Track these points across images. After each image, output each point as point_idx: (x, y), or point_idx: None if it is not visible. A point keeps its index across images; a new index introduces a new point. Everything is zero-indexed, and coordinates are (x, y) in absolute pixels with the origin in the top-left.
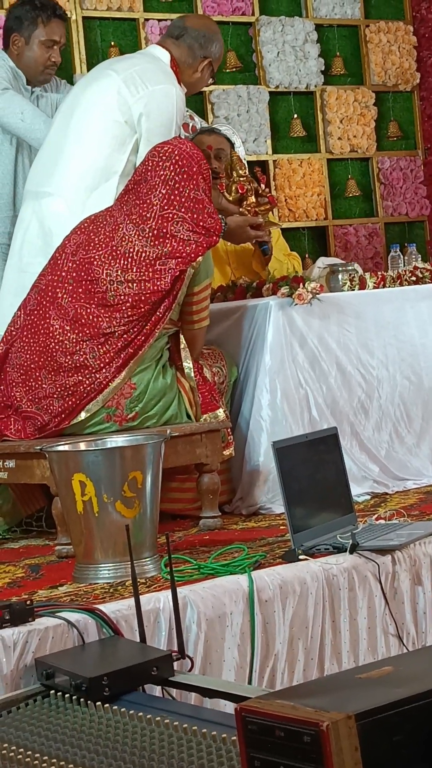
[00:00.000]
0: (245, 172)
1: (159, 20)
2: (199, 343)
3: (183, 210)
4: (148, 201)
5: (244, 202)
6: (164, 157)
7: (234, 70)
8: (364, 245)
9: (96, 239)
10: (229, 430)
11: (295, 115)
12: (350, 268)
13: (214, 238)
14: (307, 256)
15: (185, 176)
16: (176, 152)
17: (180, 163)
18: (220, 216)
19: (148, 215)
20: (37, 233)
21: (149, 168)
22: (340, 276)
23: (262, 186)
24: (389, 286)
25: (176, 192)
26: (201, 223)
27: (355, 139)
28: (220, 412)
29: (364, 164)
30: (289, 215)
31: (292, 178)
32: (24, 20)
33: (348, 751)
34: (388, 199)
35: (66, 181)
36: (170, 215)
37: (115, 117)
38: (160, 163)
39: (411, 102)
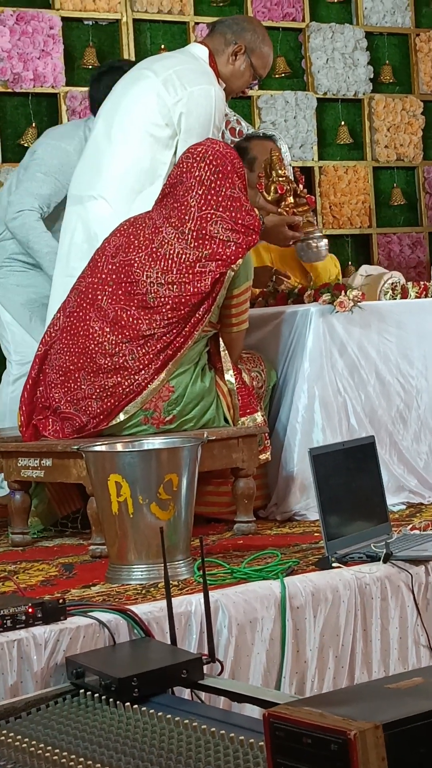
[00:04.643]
0: (285, 173)
1: (209, 24)
2: (238, 346)
3: (221, 209)
4: (186, 203)
5: (282, 203)
6: (198, 158)
7: (282, 75)
8: (407, 254)
9: (136, 242)
10: (266, 434)
11: (342, 122)
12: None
13: (254, 236)
14: (349, 263)
15: (221, 175)
16: (210, 152)
17: (214, 162)
18: (258, 214)
19: (187, 217)
20: (82, 237)
21: (184, 170)
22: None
23: (300, 187)
24: (431, 297)
25: (213, 191)
26: (240, 221)
27: (401, 147)
28: (258, 416)
29: (410, 173)
30: (333, 222)
31: (338, 185)
32: None
33: (375, 761)
34: None
35: (110, 184)
36: (208, 215)
37: (156, 120)
38: (195, 164)
39: None
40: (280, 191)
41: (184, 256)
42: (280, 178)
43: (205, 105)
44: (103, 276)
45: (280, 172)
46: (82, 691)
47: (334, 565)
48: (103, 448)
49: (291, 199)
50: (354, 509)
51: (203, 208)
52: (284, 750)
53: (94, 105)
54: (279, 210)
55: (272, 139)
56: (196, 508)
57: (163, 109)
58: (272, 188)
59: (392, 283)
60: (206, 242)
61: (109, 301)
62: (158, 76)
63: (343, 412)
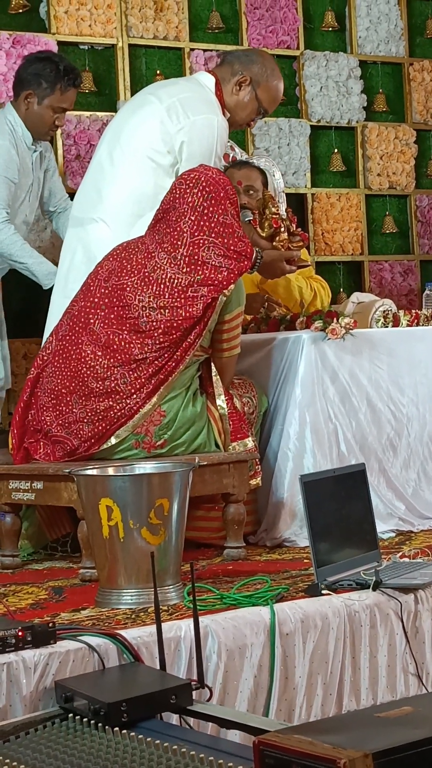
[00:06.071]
0: (277, 210)
1: (204, 50)
2: (230, 371)
3: (213, 235)
4: (178, 228)
5: (276, 238)
6: (191, 184)
7: None
8: (398, 282)
9: (128, 266)
10: (256, 460)
11: (336, 150)
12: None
13: (246, 262)
14: (341, 290)
15: (213, 202)
16: (203, 179)
17: (207, 189)
18: (256, 249)
19: (179, 242)
20: (82, 259)
21: (177, 196)
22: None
23: (293, 226)
24: (423, 325)
25: (205, 217)
26: (232, 247)
27: (394, 176)
28: (249, 442)
29: (402, 201)
30: (325, 249)
31: (330, 213)
32: (43, 81)
33: None
34: (425, 237)
35: (111, 208)
36: (201, 241)
37: (158, 147)
38: (188, 190)
39: None
40: (275, 225)
41: (176, 281)
42: (274, 215)
43: (207, 134)
44: (96, 300)
45: (273, 209)
46: (70, 715)
47: (323, 592)
48: (94, 471)
49: (285, 235)
50: (344, 536)
51: (196, 234)
52: None
53: (18, 83)
54: (274, 244)
55: (252, 166)
56: (186, 533)
57: (166, 136)
58: (266, 224)
59: (384, 311)
60: (198, 267)
61: (102, 324)
62: (162, 102)
63: (334, 438)
